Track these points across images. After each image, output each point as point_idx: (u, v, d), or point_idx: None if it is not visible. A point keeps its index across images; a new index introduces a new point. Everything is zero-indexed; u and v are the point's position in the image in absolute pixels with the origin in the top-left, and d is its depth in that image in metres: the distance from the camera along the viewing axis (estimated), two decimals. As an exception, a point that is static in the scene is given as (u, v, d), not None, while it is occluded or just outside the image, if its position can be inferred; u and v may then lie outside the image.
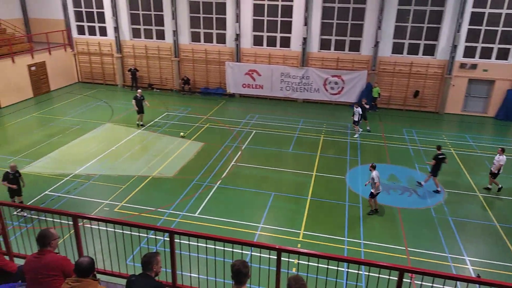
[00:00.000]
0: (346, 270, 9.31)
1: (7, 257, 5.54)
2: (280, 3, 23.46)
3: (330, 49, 23.83)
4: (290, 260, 8.76)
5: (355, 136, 19.10)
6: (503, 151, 13.85)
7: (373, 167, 12.23)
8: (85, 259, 4.16)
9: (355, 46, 23.48)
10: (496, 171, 13.87)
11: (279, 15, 23.74)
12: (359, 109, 18.89)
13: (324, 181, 14.71)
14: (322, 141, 18.45)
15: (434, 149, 15.02)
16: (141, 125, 19.54)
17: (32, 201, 12.57)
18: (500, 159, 13.71)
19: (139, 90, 19.55)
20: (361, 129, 19.50)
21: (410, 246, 11.07)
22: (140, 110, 19.25)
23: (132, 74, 26.03)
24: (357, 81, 23.40)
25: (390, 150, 17.62)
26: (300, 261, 5.21)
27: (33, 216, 10.43)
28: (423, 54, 22.72)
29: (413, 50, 22.78)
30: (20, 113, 21.21)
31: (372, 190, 12.17)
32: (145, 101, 19.29)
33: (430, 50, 22.61)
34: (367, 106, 20.01)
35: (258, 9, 23.85)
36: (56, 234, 4.60)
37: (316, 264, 5.14)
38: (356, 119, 19.00)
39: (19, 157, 15.85)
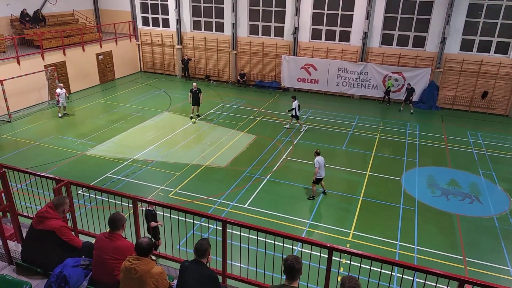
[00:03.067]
0: (398, 275, 8.97)
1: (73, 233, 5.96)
2: (341, -4, 22.89)
3: (392, 45, 22.87)
4: (338, 259, 8.61)
5: (301, 130, 18.48)
6: None
7: (317, 153, 12.52)
8: (144, 240, 4.40)
9: (420, 42, 22.32)
10: None
11: (340, 9, 23.15)
12: (296, 102, 18.11)
13: (378, 181, 14.22)
14: (378, 140, 17.82)
15: (502, 155, 13.93)
16: (197, 115, 19.77)
17: (95, 181, 13.44)
18: None
19: (194, 84, 19.45)
20: (305, 126, 18.78)
21: (468, 256, 10.42)
22: (195, 103, 19.32)
23: (185, 64, 26.77)
24: (419, 78, 22.28)
25: (452, 154, 16.63)
26: (352, 262, 5.08)
27: (97, 197, 11.14)
28: (495, 52, 21.06)
29: (484, 47, 21.18)
30: (87, 99, 22.68)
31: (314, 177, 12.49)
32: (200, 94, 19.25)
33: (503, 48, 20.90)
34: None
35: (318, 2, 23.43)
36: (125, 217, 4.88)
37: (367, 267, 4.99)
38: (294, 113, 18.21)
39: (85, 139, 16.98)
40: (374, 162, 15.66)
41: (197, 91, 19.15)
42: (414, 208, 12.59)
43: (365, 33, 22.65)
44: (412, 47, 22.53)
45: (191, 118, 19.55)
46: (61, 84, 19.67)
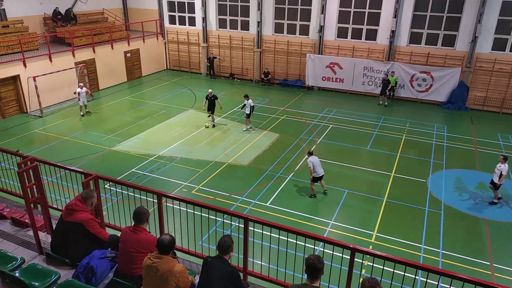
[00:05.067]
0: (422, 279, 8.79)
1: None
2: (369, -6, 22.53)
3: (420, 44, 22.34)
4: (360, 260, 8.52)
5: (243, 129, 18.13)
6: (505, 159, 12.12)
7: (310, 154, 12.72)
8: (166, 237, 4.40)
9: (450, 41, 21.70)
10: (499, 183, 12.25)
11: (367, 7, 22.78)
12: (250, 101, 17.70)
13: (403, 183, 13.95)
14: (404, 141, 17.47)
15: (535, 159, 13.41)
16: (213, 125, 18.51)
17: (121, 176, 13.78)
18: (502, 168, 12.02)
19: (210, 90, 18.24)
20: (250, 125, 18.35)
21: (496, 262, 10.09)
22: (211, 110, 18.26)
23: (210, 62, 26.97)
24: (448, 78, 21.67)
25: (481, 156, 16.12)
26: (374, 264, 5.03)
27: (123, 191, 11.42)
28: (530, 52, 20.27)
29: (518, 47, 20.41)
30: (115, 96, 23.24)
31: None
32: (218, 100, 18.08)
33: (539, 48, 20.09)
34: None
35: (345, 0, 23.13)
36: (148, 212, 4.98)
37: (390, 269, 4.92)
38: (248, 112, 17.83)
39: (112, 135, 17.42)
40: (399, 163, 15.37)
41: (213, 98, 18.09)
42: (440, 211, 12.28)
43: (393, 32, 22.22)
44: (442, 46, 21.93)
45: (206, 126, 18.45)
46: (82, 84, 19.77)
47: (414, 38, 22.43)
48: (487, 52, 20.86)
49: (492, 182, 12.53)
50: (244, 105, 17.92)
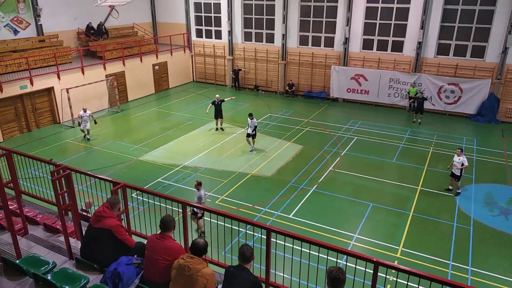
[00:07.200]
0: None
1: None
2: (395, 5, 22.37)
3: (448, 55, 21.95)
4: (384, 275, 8.36)
5: (250, 150, 17.14)
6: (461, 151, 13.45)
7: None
8: (201, 241, 4.66)
9: (479, 52, 21.22)
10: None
11: (393, 18, 22.64)
12: (255, 121, 16.78)
13: (430, 197, 13.63)
14: (431, 154, 17.09)
15: None
16: (221, 129, 19.42)
17: (147, 186, 14.10)
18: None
19: (217, 95, 18.96)
20: (253, 146, 17.21)
21: (530, 281, 9.67)
22: (218, 115, 18.89)
23: (235, 74, 27.36)
24: (477, 90, 21.13)
25: (513, 171, 15.57)
26: (398, 279, 4.96)
27: (149, 200, 11.68)
28: None
29: (552, 57, 19.73)
30: (143, 107, 23.89)
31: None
32: (228, 99, 19.04)
33: None
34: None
35: (370, 12, 23.09)
36: (174, 220, 5.14)
37: (415, 285, 4.83)
38: (250, 131, 16.86)
39: (140, 145, 17.88)
40: (426, 176, 15.03)
41: (220, 103, 18.67)
42: (469, 227, 11.91)
43: (420, 43, 21.94)
44: (471, 57, 21.46)
45: (216, 129, 19.27)
46: (85, 107, 18.27)
47: (442, 50, 22.06)
48: (519, 63, 20.26)
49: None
50: (256, 126, 16.98)
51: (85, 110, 18.04)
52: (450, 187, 13.95)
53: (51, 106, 20.61)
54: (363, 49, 23.88)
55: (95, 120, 18.75)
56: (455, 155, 13.52)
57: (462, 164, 13.22)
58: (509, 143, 18.34)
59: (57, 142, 18.41)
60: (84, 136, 18.49)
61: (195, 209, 9.98)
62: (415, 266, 9.98)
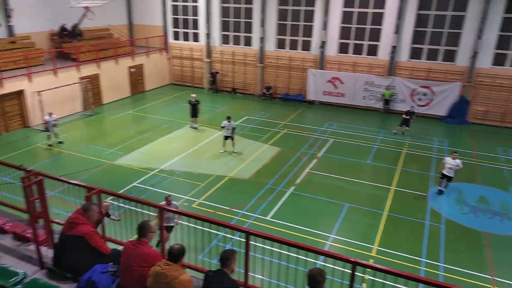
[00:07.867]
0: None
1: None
2: (371, 10, 22.85)
3: (421, 59, 22.58)
4: (360, 274, 8.50)
5: (220, 151, 17.31)
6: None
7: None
8: (176, 246, 4.53)
9: (450, 56, 21.94)
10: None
11: (369, 23, 23.11)
12: (233, 123, 16.94)
13: (404, 197, 13.96)
14: (405, 155, 17.52)
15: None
16: (195, 127, 20.15)
17: (122, 190, 13.84)
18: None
19: (193, 95, 19.95)
20: (234, 148, 17.27)
21: (497, 275, 10.04)
22: (194, 114, 19.80)
23: (213, 77, 27.32)
24: (448, 93, 21.84)
25: (481, 170, 16.14)
26: (375, 278, 5.05)
27: (125, 206, 11.47)
28: (529, 67, 20.44)
29: (518, 62, 20.60)
30: (118, 110, 23.46)
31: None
32: (199, 106, 19.67)
33: (539, 62, 20.26)
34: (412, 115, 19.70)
35: (347, 17, 23.50)
36: (153, 227, 5.01)
37: (392, 283, 4.94)
38: (227, 134, 16.89)
39: (115, 149, 17.54)
40: (400, 177, 15.39)
41: (196, 103, 19.63)
42: (441, 224, 12.27)
43: (394, 47, 22.49)
44: (442, 61, 22.15)
45: (191, 127, 20.11)
46: (51, 112, 17.84)
47: (415, 54, 22.69)
48: (487, 67, 21.05)
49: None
50: (234, 128, 17.02)
51: (50, 115, 17.46)
52: (443, 189, 14.04)
53: (21, 109, 19.96)
54: (339, 52, 24.28)
55: (57, 125, 17.79)
56: (450, 158, 13.66)
57: (457, 166, 13.53)
58: (478, 144, 19.01)
59: (28, 147, 17.84)
60: (49, 139, 17.69)
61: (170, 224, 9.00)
62: (390, 264, 10.18)
